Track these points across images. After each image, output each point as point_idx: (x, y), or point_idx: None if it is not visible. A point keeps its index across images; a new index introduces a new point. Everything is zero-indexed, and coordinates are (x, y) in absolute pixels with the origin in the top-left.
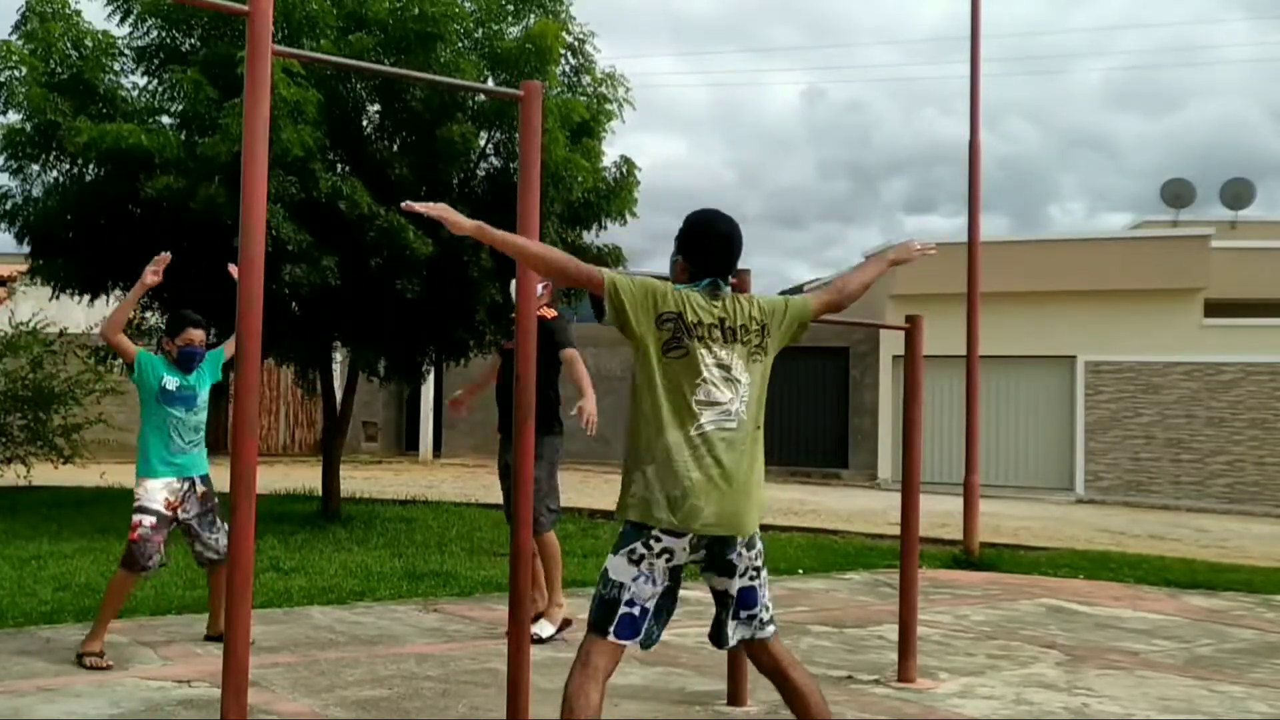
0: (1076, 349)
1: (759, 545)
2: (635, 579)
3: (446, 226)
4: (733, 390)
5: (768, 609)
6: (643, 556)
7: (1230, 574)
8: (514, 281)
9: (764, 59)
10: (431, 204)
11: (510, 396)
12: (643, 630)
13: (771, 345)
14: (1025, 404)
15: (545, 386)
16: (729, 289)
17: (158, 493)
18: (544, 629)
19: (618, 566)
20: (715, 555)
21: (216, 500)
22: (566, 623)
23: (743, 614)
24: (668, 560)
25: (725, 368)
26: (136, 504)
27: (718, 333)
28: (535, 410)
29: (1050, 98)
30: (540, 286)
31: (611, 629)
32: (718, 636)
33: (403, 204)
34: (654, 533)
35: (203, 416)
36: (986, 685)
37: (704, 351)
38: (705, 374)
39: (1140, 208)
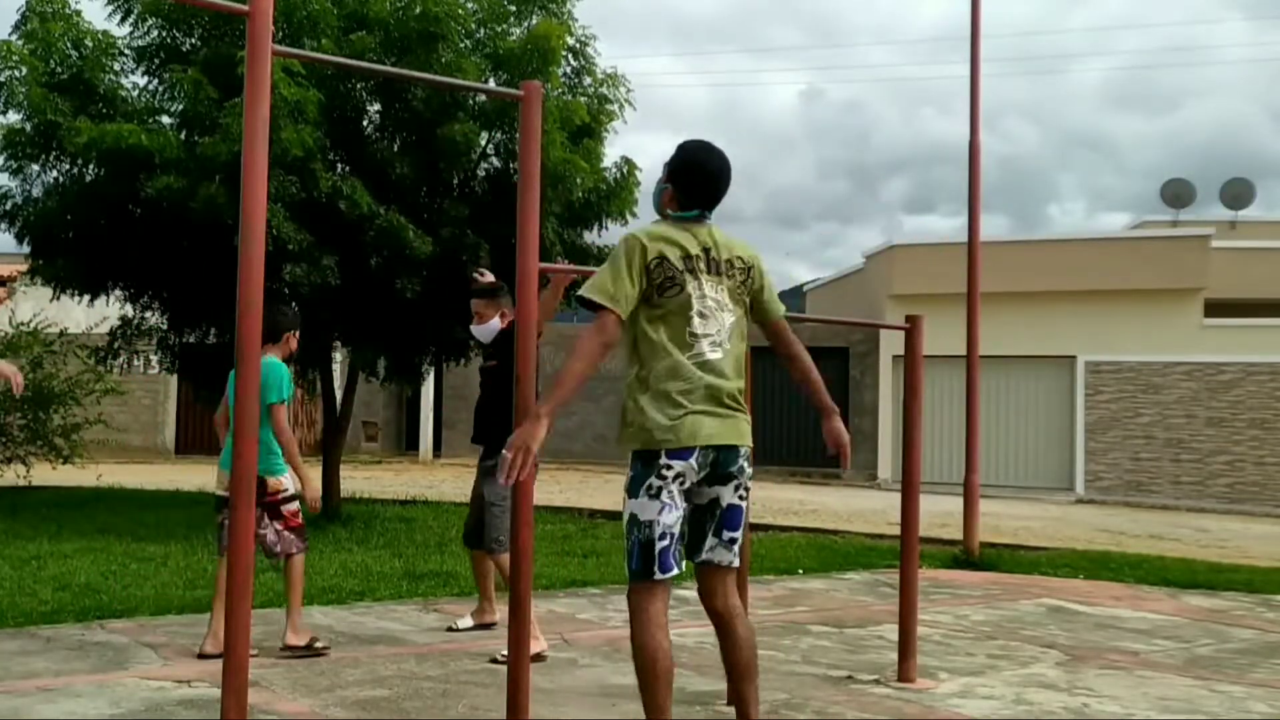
0: (1076, 349)
1: (750, 470)
2: (660, 511)
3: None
4: (719, 322)
5: (739, 540)
6: (660, 488)
7: (1230, 574)
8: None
9: (763, 59)
10: (512, 459)
11: (489, 413)
12: (677, 557)
13: (748, 293)
14: (1025, 404)
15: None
16: (710, 220)
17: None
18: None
19: (643, 506)
20: (717, 467)
21: None
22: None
23: (725, 534)
24: (681, 484)
25: (715, 299)
26: (287, 494)
27: (703, 263)
28: (498, 428)
29: (1049, 98)
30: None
31: (657, 568)
32: (694, 548)
33: (500, 481)
34: (662, 460)
35: None
36: (986, 685)
37: (695, 283)
38: (696, 305)
39: (1140, 208)
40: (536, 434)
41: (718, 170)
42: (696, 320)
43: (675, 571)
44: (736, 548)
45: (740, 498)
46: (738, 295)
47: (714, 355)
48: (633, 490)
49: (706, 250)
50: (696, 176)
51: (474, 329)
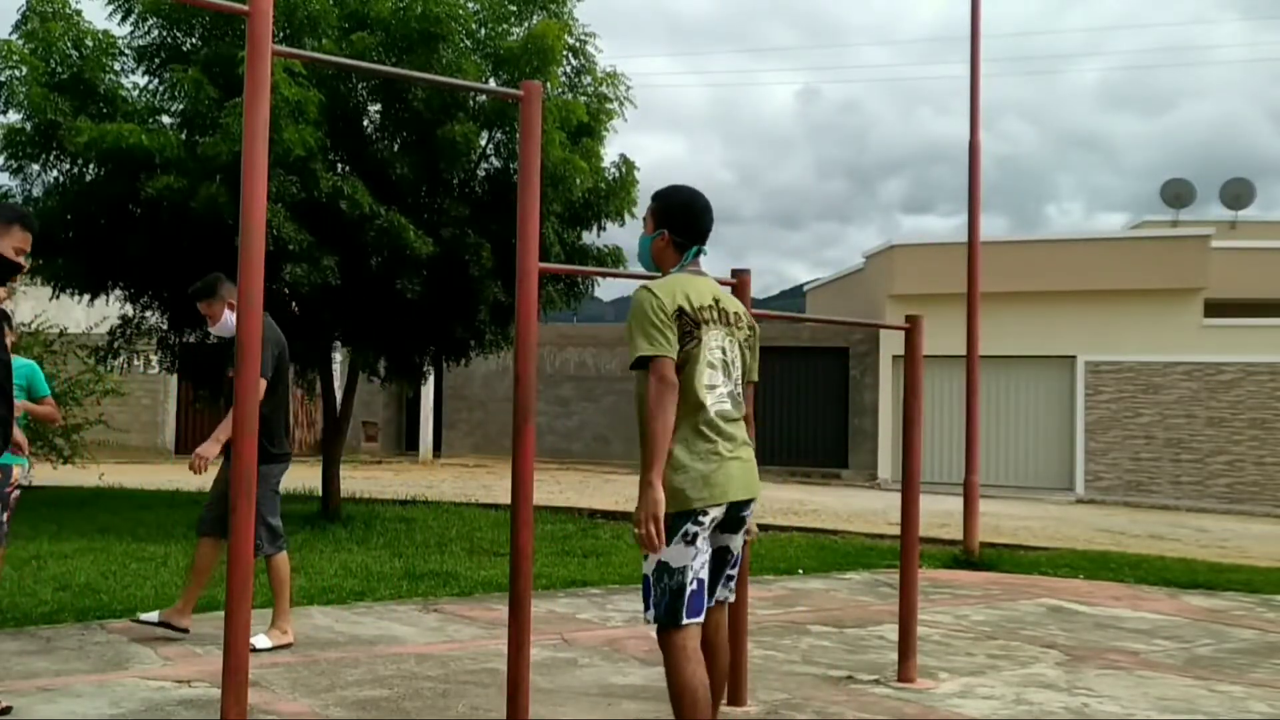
0: (1076, 349)
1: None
2: (694, 557)
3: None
4: (727, 374)
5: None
6: (697, 534)
7: (1230, 574)
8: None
9: (760, 59)
10: (644, 531)
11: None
12: (705, 598)
13: (749, 348)
14: (1025, 404)
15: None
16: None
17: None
18: (262, 641)
19: (677, 554)
20: (731, 515)
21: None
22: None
23: (731, 575)
24: (713, 525)
25: (723, 350)
26: (16, 485)
27: (714, 314)
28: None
29: (1047, 98)
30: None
31: (685, 614)
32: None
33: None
34: (697, 509)
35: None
36: (986, 685)
37: (707, 335)
38: (709, 357)
39: (1139, 208)
40: (658, 499)
41: (705, 205)
42: (708, 372)
43: (701, 616)
44: (735, 578)
45: (744, 539)
46: (744, 347)
47: (727, 405)
48: (665, 536)
49: (716, 301)
50: (688, 213)
51: (213, 331)
